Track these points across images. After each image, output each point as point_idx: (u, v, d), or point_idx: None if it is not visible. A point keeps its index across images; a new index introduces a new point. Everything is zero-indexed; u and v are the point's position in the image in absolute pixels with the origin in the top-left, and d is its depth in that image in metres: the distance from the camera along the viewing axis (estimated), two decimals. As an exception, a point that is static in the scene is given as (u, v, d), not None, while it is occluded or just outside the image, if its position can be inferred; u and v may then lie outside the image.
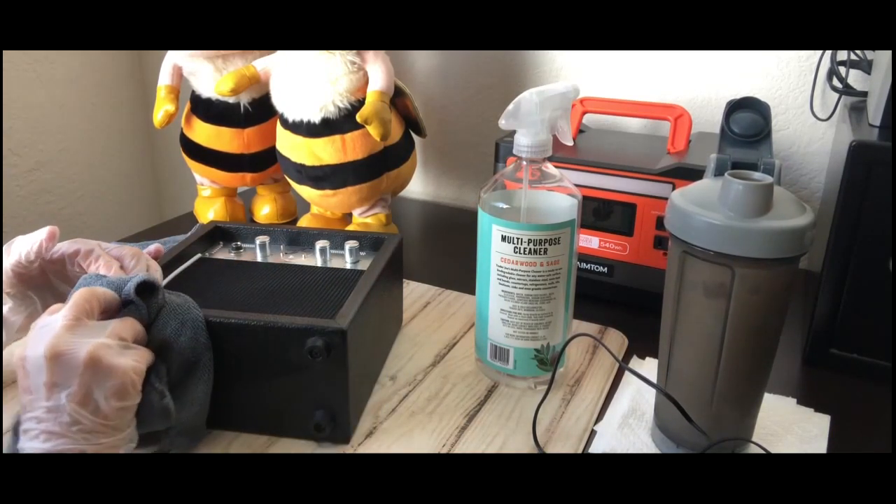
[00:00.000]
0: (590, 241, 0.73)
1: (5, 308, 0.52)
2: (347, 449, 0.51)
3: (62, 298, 0.55)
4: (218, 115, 0.87)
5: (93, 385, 0.40)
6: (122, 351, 0.42)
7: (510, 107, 0.51)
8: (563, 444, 0.52)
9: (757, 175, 0.44)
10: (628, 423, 0.54)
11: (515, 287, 0.55)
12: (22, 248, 0.51)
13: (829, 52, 0.78)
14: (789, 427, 0.54)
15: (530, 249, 0.53)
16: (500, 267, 0.55)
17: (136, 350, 0.43)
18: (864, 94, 0.71)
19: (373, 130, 0.74)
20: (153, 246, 0.58)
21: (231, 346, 0.49)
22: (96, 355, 0.40)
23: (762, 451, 0.48)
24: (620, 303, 0.73)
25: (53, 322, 0.41)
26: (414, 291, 0.75)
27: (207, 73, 0.85)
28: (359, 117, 0.74)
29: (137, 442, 0.43)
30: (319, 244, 0.63)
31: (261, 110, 0.87)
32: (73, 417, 0.39)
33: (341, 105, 0.76)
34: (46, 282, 0.55)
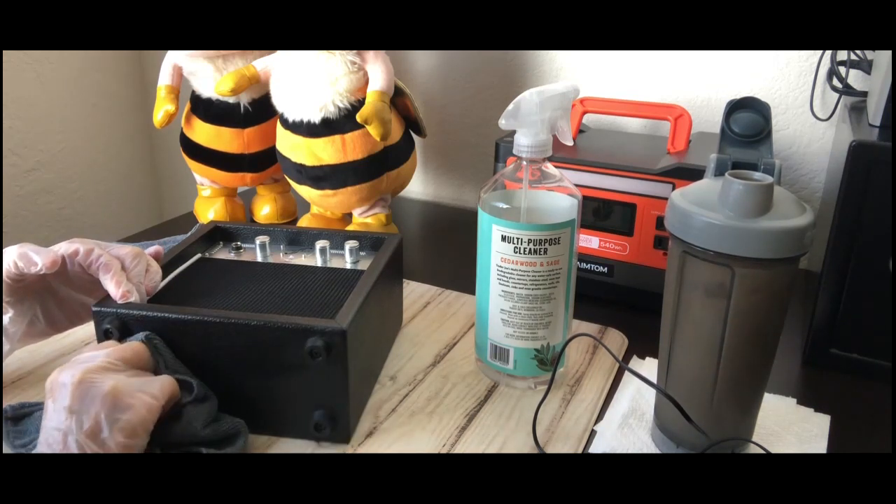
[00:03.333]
0: (590, 241, 0.73)
1: (6, 318, 0.52)
2: (347, 449, 0.51)
3: (63, 302, 0.55)
4: (218, 115, 0.87)
5: (106, 418, 0.42)
6: (142, 389, 0.44)
7: (510, 107, 0.51)
8: (563, 444, 0.52)
9: (757, 175, 0.44)
10: (628, 423, 0.54)
11: (515, 287, 0.55)
12: (16, 257, 0.50)
13: (829, 52, 0.78)
14: (789, 427, 0.54)
15: (530, 249, 0.53)
16: (500, 267, 0.55)
17: (155, 396, 0.45)
18: (864, 94, 0.71)
19: (373, 130, 0.74)
20: (153, 248, 0.58)
21: (231, 346, 0.49)
22: (117, 389, 0.42)
23: (762, 451, 0.48)
24: (620, 303, 0.73)
25: (94, 357, 0.45)
26: (414, 291, 0.75)
27: (207, 73, 0.85)
28: (359, 117, 0.74)
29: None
30: (319, 244, 0.62)
31: (261, 110, 0.87)
32: (80, 446, 0.41)
33: (341, 105, 0.76)
34: (46, 286, 0.54)
